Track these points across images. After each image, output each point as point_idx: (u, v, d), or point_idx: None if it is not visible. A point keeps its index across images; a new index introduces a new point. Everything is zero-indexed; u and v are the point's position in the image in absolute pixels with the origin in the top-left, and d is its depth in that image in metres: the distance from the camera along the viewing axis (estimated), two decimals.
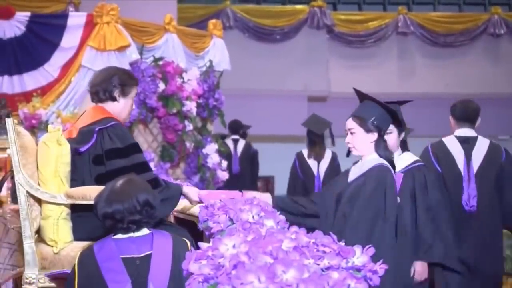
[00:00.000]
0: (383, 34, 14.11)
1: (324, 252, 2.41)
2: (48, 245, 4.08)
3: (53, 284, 4.08)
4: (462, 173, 5.59)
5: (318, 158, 8.30)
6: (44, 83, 7.81)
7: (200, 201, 4.24)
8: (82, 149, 4.17)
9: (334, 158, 8.39)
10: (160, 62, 8.26)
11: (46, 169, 4.06)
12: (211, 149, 8.60)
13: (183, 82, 8.31)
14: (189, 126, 8.34)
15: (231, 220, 3.54)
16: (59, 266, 4.05)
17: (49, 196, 4.03)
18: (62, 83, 7.80)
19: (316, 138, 8.32)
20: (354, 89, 4.46)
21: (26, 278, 4.05)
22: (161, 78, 8.17)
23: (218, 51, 8.98)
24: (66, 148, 4.08)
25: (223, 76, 9.01)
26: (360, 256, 2.44)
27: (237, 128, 10.18)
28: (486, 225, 5.53)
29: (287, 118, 10.45)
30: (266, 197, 4.31)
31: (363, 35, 14.09)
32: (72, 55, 7.81)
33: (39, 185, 4.07)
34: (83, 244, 4.04)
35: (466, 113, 5.81)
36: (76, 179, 4.17)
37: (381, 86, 13.42)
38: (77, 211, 4.10)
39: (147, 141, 8.27)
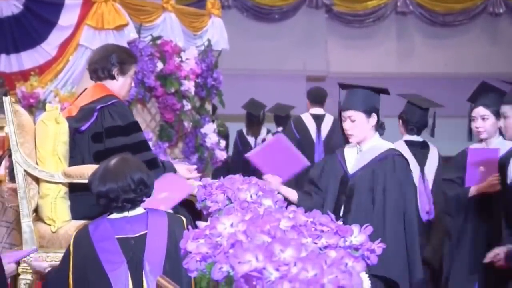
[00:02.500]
0: (382, 13, 14.06)
1: (322, 231, 2.41)
2: (46, 223, 4.08)
3: (52, 263, 4.08)
4: (314, 140, 7.88)
5: (255, 135, 9.48)
6: (41, 62, 7.77)
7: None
8: (83, 127, 4.17)
9: (276, 133, 9.53)
10: (158, 41, 8.21)
11: (44, 148, 4.06)
12: (209, 129, 8.58)
13: (181, 61, 8.27)
14: (187, 106, 8.31)
15: (229, 199, 3.54)
16: (57, 245, 4.05)
17: (46, 175, 4.03)
18: (60, 62, 7.76)
19: (253, 118, 9.51)
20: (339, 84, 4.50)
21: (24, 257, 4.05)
22: (159, 57, 8.13)
23: (216, 30, 8.93)
24: (64, 126, 4.07)
25: (222, 55, 8.97)
26: (358, 235, 2.44)
27: (213, 109, 10.28)
28: None
29: (285, 98, 10.41)
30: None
31: (362, 14, 14.04)
32: (69, 34, 7.76)
33: (37, 163, 4.07)
34: (81, 223, 4.05)
35: (317, 97, 8.06)
36: (76, 157, 4.17)
37: (379, 66, 13.39)
38: (75, 190, 4.10)
39: (145, 120, 8.25)
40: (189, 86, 8.26)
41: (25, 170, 4.04)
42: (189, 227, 3.50)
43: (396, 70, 13.42)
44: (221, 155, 8.66)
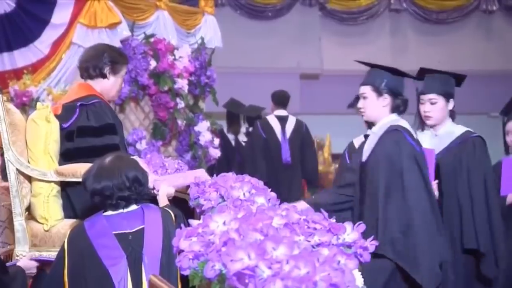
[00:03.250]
0: (376, 11, 14.07)
1: (315, 228, 2.41)
2: (38, 222, 4.07)
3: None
4: (279, 139, 8.67)
5: (235, 132, 9.74)
6: (34, 60, 7.74)
7: (153, 188, 4.20)
8: (65, 125, 4.14)
9: (248, 132, 9.87)
10: (151, 39, 8.19)
11: (36, 147, 4.04)
12: (203, 127, 8.57)
13: (175, 59, 8.26)
14: (181, 104, 8.29)
15: (222, 197, 3.54)
16: (49, 244, 4.04)
17: (39, 173, 4.01)
18: (53, 60, 7.74)
19: (233, 117, 9.78)
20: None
21: (17, 255, 4.05)
22: (152, 55, 8.12)
23: (209, 28, 8.92)
24: (55, 125, 4.06)
25: (215, 53, 8.96)
26: (350, 232, 2.43)
27: None
28: (294, 171, 8.70)
29: None
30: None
31: (356, 12, 14.04)
32: (62, 32, 7.74)
33: (29, 162, 4.05)
34: (74, 221, 4.03)
35: (281, 99, 8.85)
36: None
37: (373, 63, 13.38)
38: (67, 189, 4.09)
39: (139, 118, 8.24)
40: (182, 84, 8.24)
41: (17, 169, 4.02)
42: (182, 225, 3.51)
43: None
44: (215, 153, 8.65)
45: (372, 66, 4.41)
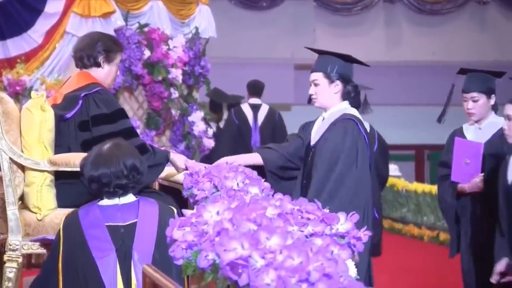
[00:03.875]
0: (370, 1, 14.06)
1: (308, 219, 2.41)
2: (31, 211, 4.06)
3: (38, 251, 4.09)
4: (251, 126, 9.07)
5: (218, 121, 10.03)
6: (27, 49, 7.73)
7: (186, 169, 4.23)
8: (68, 115, 4.14)
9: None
10: (146, 29, 8.19)
11: (30, 136, 4.03)
12: (197, 117, 8.57)
13: (169, 49, 8.25)
14: (175, 94, 8.30)
15: (215, 187, 3.53)
16: (42, 233, 4.03)
17: (32, 162, 4.00)
18: (46, 49, 7.73)
19: (217, 106, 10.04)
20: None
21: (10, 245, 4.04)
22: (147, 45, 8.11)
23: (204, 18, 8.90)
24: (50, 114, 4.05)
25: (209, 43, 8.95)
26: (344, 223, 2.44)
27: None
28: None
29: (273, 87, 10.44)
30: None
31: (350, 2, 14.04)
32: (56, 21, 7.73)
33: (22, 151, 4.05)
34: (67, 211, 4.02)
35: (255, 89, 9.23)
36: (61, 145, 4.15)
37: (368, 54, 13.37)
38: (61, 178, 4.08)
39: (133, 108, 8.24)
40: (176, 74, 8.24)
41: (10, 158, 4.01)
42: (175, 215, 3.49)
43: (385, 58, 13.43)
44: (209, 143, 8.65)
45: (321, 52, 4.44)
